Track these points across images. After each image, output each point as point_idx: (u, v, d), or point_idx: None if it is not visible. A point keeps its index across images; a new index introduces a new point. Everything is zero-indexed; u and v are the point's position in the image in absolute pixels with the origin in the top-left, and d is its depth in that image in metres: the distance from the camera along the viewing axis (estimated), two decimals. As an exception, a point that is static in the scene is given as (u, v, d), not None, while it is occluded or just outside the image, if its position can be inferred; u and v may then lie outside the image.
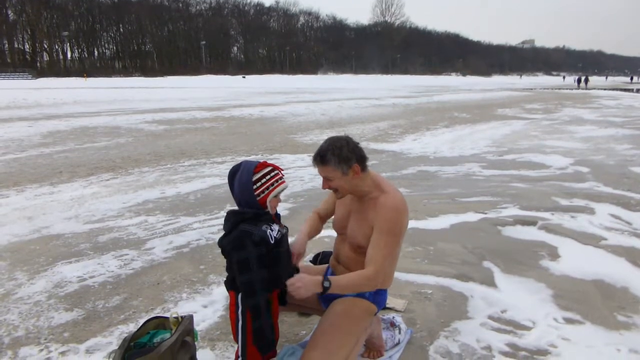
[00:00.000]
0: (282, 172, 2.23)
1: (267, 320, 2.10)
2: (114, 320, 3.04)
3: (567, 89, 48.71)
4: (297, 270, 2.39)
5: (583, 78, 55.11)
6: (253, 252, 2.04)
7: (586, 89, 48.20)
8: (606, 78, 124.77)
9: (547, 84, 71.27)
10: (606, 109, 21.84)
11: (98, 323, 3.01)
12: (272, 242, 2.10)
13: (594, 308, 3.18)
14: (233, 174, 2.19)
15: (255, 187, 2.12)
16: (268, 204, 2.15)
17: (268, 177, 2.15)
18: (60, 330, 2.93)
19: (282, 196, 2.25)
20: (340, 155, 2.22)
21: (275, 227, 2.16)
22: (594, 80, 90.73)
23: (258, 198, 2.13)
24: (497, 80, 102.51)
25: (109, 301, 3.30)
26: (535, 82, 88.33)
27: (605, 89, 45.70)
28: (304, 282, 2.14)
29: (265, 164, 2.18)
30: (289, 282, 2.13)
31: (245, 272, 2.05)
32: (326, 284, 2.15)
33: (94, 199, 6.00)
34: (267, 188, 2.14)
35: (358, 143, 2.32)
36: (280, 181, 2.18)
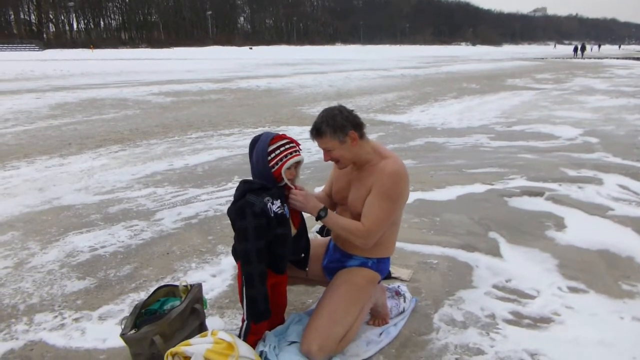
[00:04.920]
0: (299, 145, 2.22)
1: (260, 290, 2.11)
2: (125, 289, 3.11)
3: (585, 58, 47.27)
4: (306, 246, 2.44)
5: (579, 46, 52.80)
6: (252, 222, 2.06)
7: (582, 57, 46.86)
8: (619, 47, 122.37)
9: (559, 53, 69.73)
10: (618, 78, 21.48)
11: (110, 291, 3.08)
12: (272, 215, 2.10)
13: (599, 277, 3.20)
14: (253, 143, 2.20)
15: (269, 158, 2.13)
16: (283, 175, 2.16)
17: (282, 149, 2.15)
18: (74, 297, 3.00)
19: None
20: (334, 125, 2.22)
21: (278, 202, 2.15)
22: (606, 49, 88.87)
23: (272, 170, 2.14)
24: (508, 49, 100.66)
25: (120, 270, 3.37)
26: (548, 51, 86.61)
27: (617, 58, 44.75)
28: (306, 199, 2.23)
29: (282, 137, 2.18)
30: (293, 191, 2.22)
31: (242, 241, 2.09)
32: (322, 213, 2.24)
33: (103, 171, 6.06)
34: (281, 160, 2.14)
35: (352, 110, 2.31)
36: (294, 154, 2.17)
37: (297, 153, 2.19)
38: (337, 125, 2.22)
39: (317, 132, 2.26)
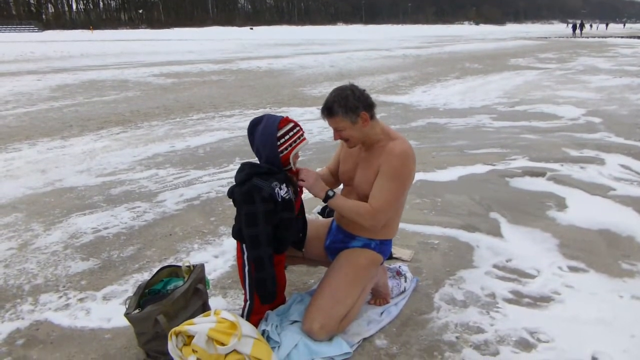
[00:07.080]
0: (302, 129, 2.23)
1: (269, 272, 2.14)
2: (129, 269, 3.14)
3: (588, 37, 46.57)
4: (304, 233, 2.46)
5: (578, 24, 51.56)
6: (261, 207, 2.07)
7: (581, 36, 46.22)
8: (624, 25, 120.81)
9: (564, 32, 68.86)
10: (622, 57, 21.24)
11: (113, 272, 3.11)
12: (279, 200, 2.11)
13: (599, 256, 3.22)
14: (254, 126, 2.18)
15: (279, 143, 2.13)
16: (291, 160, 2.17)
17: (291, 133, 2.15)
18: (78, 278, 3.03)
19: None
20: (346, 106, 2.20)
21: (285, 187, 2.16)
22: (610, 27, 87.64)
23: (281, 155, 2.14)
24: (512, 28, 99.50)
25: (123, 251, 3.40)
26: (551, 30, 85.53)
27: (622, 37, 44.20)
28: (313, 180, 2.24)
29: (288, 120, 2.18)
30: (303, 171, 2.24)
31: (251, 226, 2.09)
32: (330, 193, 2.25)
33: (105, 153, 6.06)
34: (290, 145, 2.14)
35: (364, 90, 2.28)
36: (302, 138, 2.19)
37: (304, 137, 2.21)
38: (349, 106, 2.20)
39: (328, 112, 2.24)
